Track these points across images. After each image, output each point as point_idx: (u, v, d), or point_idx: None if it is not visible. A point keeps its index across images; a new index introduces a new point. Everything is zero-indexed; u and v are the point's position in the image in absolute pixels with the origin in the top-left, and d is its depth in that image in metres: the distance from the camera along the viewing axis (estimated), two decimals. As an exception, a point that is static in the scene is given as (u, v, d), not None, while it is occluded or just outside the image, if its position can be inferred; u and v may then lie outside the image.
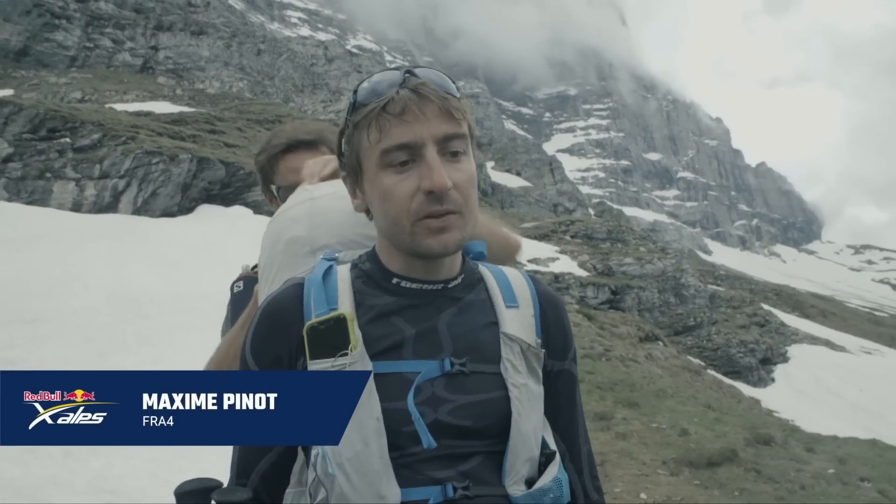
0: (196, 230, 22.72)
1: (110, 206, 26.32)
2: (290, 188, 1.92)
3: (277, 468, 1.15)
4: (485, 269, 1.27)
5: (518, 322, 1.20)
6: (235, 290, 2.02)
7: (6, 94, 38.02)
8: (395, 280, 1.17)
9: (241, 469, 1.16)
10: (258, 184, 2.14)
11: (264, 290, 1.35)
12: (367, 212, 1.20)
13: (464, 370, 1.12)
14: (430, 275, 1.17)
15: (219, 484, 1.09)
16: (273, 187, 2.02)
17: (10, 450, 6.24)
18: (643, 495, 10.64)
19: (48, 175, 26.18)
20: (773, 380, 35.90)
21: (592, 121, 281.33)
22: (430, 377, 1.10)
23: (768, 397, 31.48)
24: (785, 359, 38.91)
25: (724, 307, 42.35)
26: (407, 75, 1.11)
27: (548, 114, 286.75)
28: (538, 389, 1.19)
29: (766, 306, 50.12)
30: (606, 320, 30.32)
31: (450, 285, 1.19)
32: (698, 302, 38.85)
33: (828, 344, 46.87)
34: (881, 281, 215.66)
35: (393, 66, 1.16)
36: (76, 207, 25.68)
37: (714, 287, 47.85)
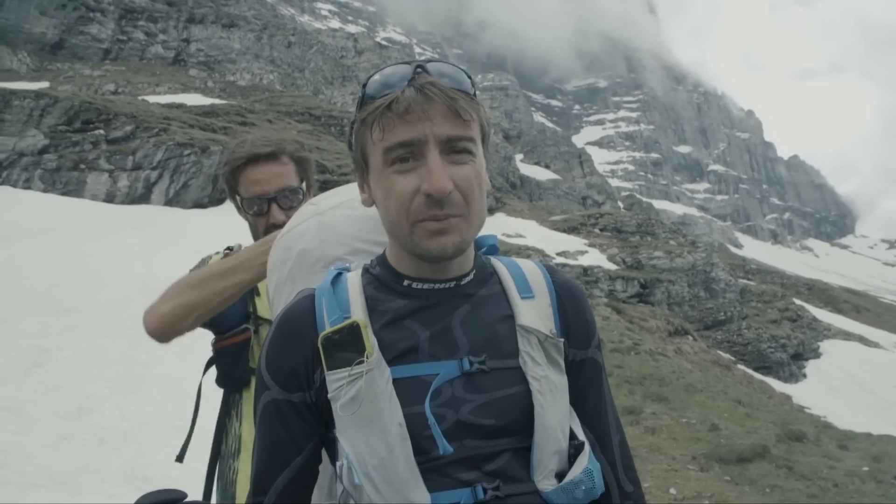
0: (226, 221, 22.93)
1: (143, 197, 26.70)
2: (253, 200, 1.98)
3: (296, 485, 1.12)
4: (497, 262, 1.24)
5: (534, 313, 1.17)
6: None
7: (42, 86, 38.68)
8: (405, 282, 1.15)
9: (257, 485, 1.13)
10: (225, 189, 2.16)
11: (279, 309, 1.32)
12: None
13: (483, 368, 1.10)
14: (440, 274, 1.14)
15: (182, 496, 1.07)
16: (238, 198, 2.04)
17: (46, 436, 6.36)
18: (673, 490, 10.55)
19: (82, 166, 26.61)
20: (804, 375, 35.41)
21: (622, 113, 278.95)
22: (448, 378, 1.08)
23: (800, 393, 31.05)
24: (817, 354, 38.34)
25: (755, 302, 41.82)
26: (417, 71, 1.07)
27: (577, 106, 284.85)
28: (561, 380, 1.16)
29: (797, 301, 49.40)
30: (635, 314, 30.08)
31: (462, 282, 1.16)
32: (729, 296, 38.41)
33: (861, 340, 46.08)
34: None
35: (413, 58, 1.10)
36: (109, 198, 26.09)
37: (745, 281, 47.26)
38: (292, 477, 1.12)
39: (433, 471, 1.05)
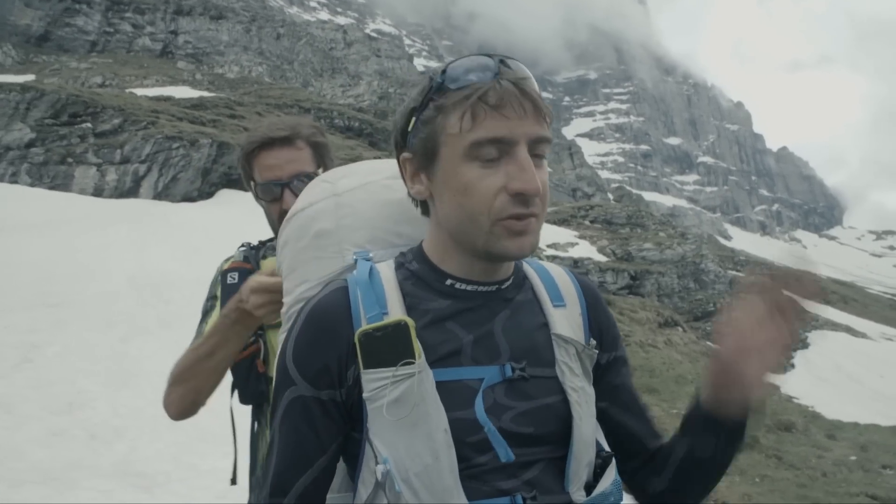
0: (216, 215, 22.85)
1: (131, 191, 26.55)
2: (267, 185, 1.94)
3: (316, 486, 1.08)
4: (528, 267, 1.22)
5: (567, 322, 1.16)
6: (229, 281, 1.97)
7: (28, 79, 38.33)
8: (448, 282, 1.11)
9: (277, 486, 1.07)
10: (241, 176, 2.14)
11: (294, 291, 1.28)
12: (416, 202, 1.15)
13: (524, 375, 1.08)
14: (489, 276, 1.12)
15: None
16: (252, 184, 2.01)
17: (37, 432, 6.34)
18: (663, 482, 10.64)
19: (70, 160, 26.44)
20: (792, 366, 35.63)
21: (612, 105, 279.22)
22: (492, 383, 1.06)
23: (788, 384, 31.28)
24: (805, 345, 38.59)
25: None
26: (501, 65, 1.04)
27: (567, 98, 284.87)
28: (592, 391, 1.15)
29: (785, 292, 49.59)
30: (625, 306, 30.21)
31: (503, 286, 1.14)
32: (718, 287, 38.59)
33: (848, 330, 46.43)
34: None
35: (480, 52, 1.06)
36: (98, 192, 25.93)
37: (734, 272, 47.47)
38: (315, 478, 1.07)
39: (472, 479, 1.02)
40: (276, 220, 1.95)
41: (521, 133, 1.01)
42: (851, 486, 11.36)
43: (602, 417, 1.21)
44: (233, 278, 1.97)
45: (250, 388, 1.94)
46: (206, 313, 2.04)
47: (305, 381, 1.06)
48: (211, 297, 2.05)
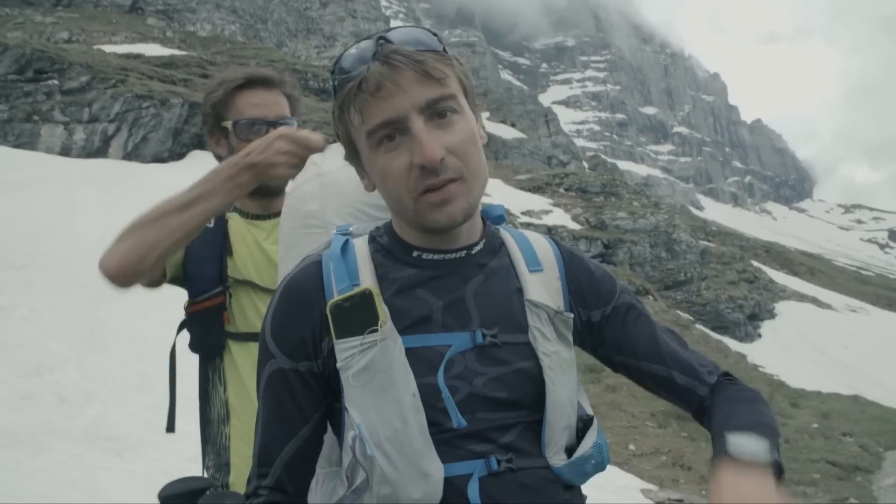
0: (188, 176, 22.26)
1: (100, 151, 26.01)
2: (252, 122, 1.89)
3: (302, 455, 1.10)
4: (506, 234, 1.22)
5: (543, 287, 1.16)
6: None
7: (-9, 33, 37.16)
8: (415, 253, 1.13)
9: (262, 457, 1.11)
10: (203, 122, 2.03)
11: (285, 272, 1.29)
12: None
13: (495, 341, 1.09)
14: (450, 244, 1.13)
15: (208, 485, 1.03)
16: (228, 123, 1.93)
17: (5, 395, 6.26)
18: (632, 446, 10.83)
19: (36, 118, 25.78)
20: (759, 335, 36.39)
21: (589, 73, 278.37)
22: (461, 350, 1.07)
23: (754, 353, 31.93)
24: (772, 315, 39.36)
25: (715, 263, 42.62)
26: (380, 43, 1.03)
27: (544, 65, 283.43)
28: (569, 354, 1.16)
29: (755, 263, 50.47)
30: (598, 274, 30.44)
31: (472, 251, 1.15)
32: (689, 257, 39.09)
33: (814, 301, 47.39)
34: (869, 240, 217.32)
35: (376, 31, 1.05)
36: (65, 151, 25.35)
37: (705, 243, 48.07)
38: (298, 447, 1.09)
39: (445, 443, 1.04)
40: None
41: (406, 106, 1.01)
42: (813, 452, 11.68)
43: (627, 372, 1.22)
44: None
45: (210, 339, 1.87)
46: None
47: (283, 353, 1.09)
48: None
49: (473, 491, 1.03)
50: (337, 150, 1.36)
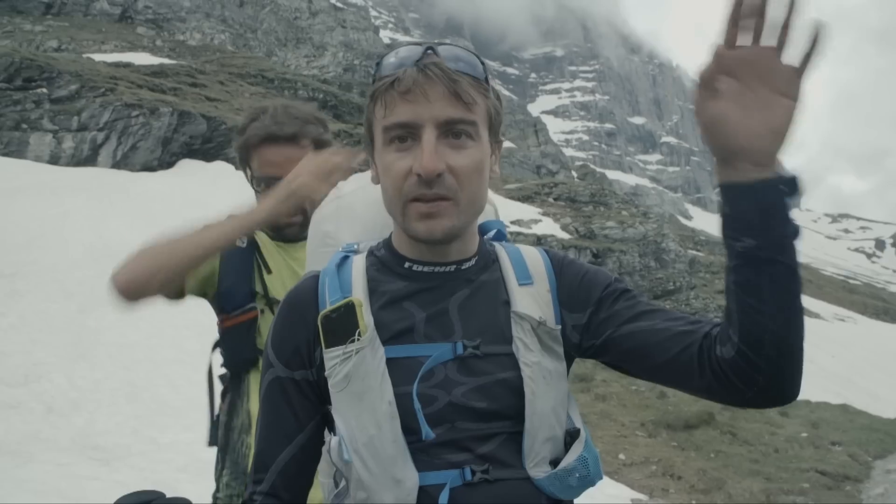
0: (177, 185, 22.44)
1: (89, 160, 25.90)
2: (264, 179, 1.92)
3: (297, 462, 1.14)
4: (501, 249, 1.25)
5: (531, 299, 1.17)
6: (238, 244, 1.93)
7: (-20, 40, 37.00)
8: (406, 264, 1.16)
9: (258, 463, 1.15)
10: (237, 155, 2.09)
11: None
12: None
13: (476, 353, 1.10)
14: (440, 257, 1.16)
15: (159, 495, 1.06)
16: (249, 172, 1.99)
17: (-9, 405, 6.20)
18: (622, 456, 10.82)
19: (24, 126, 25.66)
20: (748, 344, 36.51)
21: (578, 83, 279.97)
22: (441, 360, 1.09)
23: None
24: (761, 324, 39.50)
25: (704, 272, 42.80)
26: (427, 52, 1.08)
27: (533, 74, 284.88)
28: (555, 366, 1.15)
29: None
30: (587, 283, 30.47)
31: (463, 266, 1.17)
32: (678, 266, 39.19)
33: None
34: (856, 250, 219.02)
35: (421, 41, 1.11)
36: (54, 160, 25.24)
37: (694, 252, 48.30)
38: (293, 455, 1.13)
39: (422, 451, 1.06)
40: None
41: (427, 117, 1.05)
42: (802, 461, 11.71)
43: (628, 346, 1.13)
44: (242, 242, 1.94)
45: (244, 353, 1.92)
46: None
47: (281, 363, 1.15)
48: None
49: (444, 500, 1.04)
50: (357, 177, 1.46)
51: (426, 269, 1.15)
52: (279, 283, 1.96)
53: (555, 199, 44.10)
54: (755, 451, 12.18)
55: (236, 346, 1.93)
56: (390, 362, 1.08)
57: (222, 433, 1.99)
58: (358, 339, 1.07)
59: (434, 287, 1.15)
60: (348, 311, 1.09)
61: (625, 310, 1.15)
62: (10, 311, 9.20)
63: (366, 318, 1.09)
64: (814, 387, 26.34)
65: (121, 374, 7.76)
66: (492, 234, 1.31)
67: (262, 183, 1.94)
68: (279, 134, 1.93)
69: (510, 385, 1.10)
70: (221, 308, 1.94)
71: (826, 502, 9.58)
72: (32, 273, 10.97)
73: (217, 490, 1.96)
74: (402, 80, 1.05)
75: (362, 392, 1.06)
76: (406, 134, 1.07)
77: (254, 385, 1.92)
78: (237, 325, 1.92)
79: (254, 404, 1.90)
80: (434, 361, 1.08)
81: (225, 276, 1.92)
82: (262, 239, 2.02)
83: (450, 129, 1.07)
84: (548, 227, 37.25)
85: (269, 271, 1.96)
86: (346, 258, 1.20)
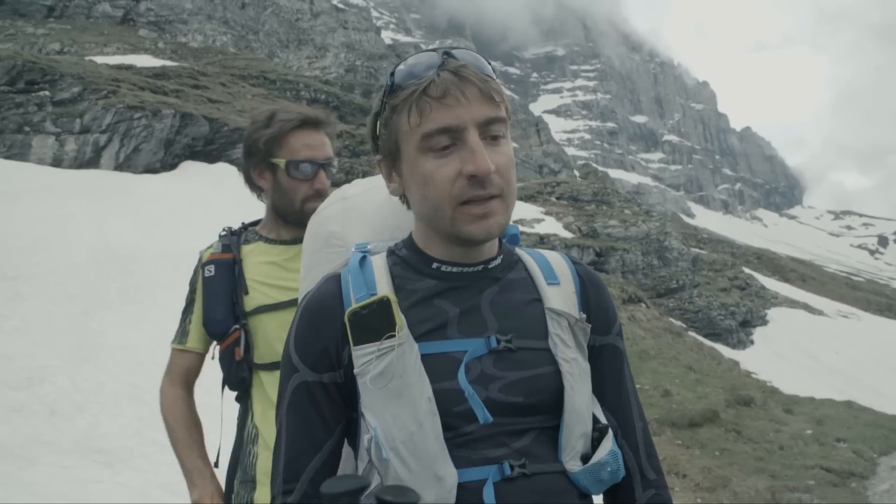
0: (180, 187, 22.45)
1: (91, 162, 25.92)
2: (304, 162, 1.98)
3: (326, 469, 1.13)
4: (522, 252, 1.27)
5: (561, 298, 1.19)
6: (206, 274, 2.03)
7: (-18, 44, 37.06)
8: (434, 265, 1.16)
9: (289, 472, 1.12)
10: (249, 155, 2.07)
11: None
12: (402, 197, 1.20)
13: (510, 347, 1.11)
14: (471, 257, 1.16)
15: (368, 483, 1.02)
16: (279, 161, 2.01)
17: (-5, 407, 6.20)
18: (626, 455, 10.84)
19: (27, 129, 25.68)
20: (752, 342, 36.42)
21: (579, 82, 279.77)
22: (477, 355, 1.10)
23: (747, 359, 31.94)
24: (764, 322, 39.42)
25: (706, 270, 42.72)
26: (445, 57, 1.09)
27: (535, 74, 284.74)
28: (586, 365, 1.18)
29: (746, 270, 50.63)
30: (590, 282, 30.40)
31: (490, 266, 1.18)
32: (681, 265, 39.13)
33: (806, 307, 47.52)
34: (859, 246, 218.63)
35: (430, 47, 1.20)
36: (56, 162, 25.26)
37: (696, 250, 48.20)
38: (324, 461, 1.12)
39: (460, 447, 1.07)
40: (301, 200, 2.00)
41: (467, 118, 1.06)
42: (807, 458, 11.67)
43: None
44: (210, 271, 2.03)
45: (233, 375, 1.99)
46: (187, 305, 2.12)
47: (307, 366, 1.13)
48: (191, 291, 2.12)
49: (489, 495, 1.04)
50: (361, 181, 1.47)
51: (455, 269, 1.16)
52: (264, 290, 2.02)
53: (557, 199, 44.07)
54: (760, 449, 12.16)
55: (227, 369, 2.01)
56: (425, 358, 1.08)
57: (235, 445, 2.07)
58: (396, 335, 1.07)
59: (464, 286, 1.16)
60: (382, 307, 1.08)
61: (608, 386, 1.23)
62: (13, 313, 9.20)
63: (399, 313, 1.09)
64: (818, 384, 26.29)
65: (124, 376, 7.76)
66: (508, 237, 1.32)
67: (300, 167, 1.98)
68: (315, 118, 2.02)
69: (547, 380, 1.12)
70: (212, 336, 2.03)
71: (831, 499, 9.55)
72: (35, 276, 10.98)
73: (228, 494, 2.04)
74: (436, 85, 1.05)
75: (400, 389, 1.06)
76: (447, 139, 1.06)
77: (256, 394, 2.00)
78: (224, 349, 2.00)
79: (258, 413, 1.98)
80: (471, 355, 1.09)
81: (206, 309, 2.02)
82: (253, 250, 2.08)
83: (487, 130, 1.08)
84: (550, 226, 37.22)
85: (247, 292, 2.01)
86: (363, 258, 1.19)
